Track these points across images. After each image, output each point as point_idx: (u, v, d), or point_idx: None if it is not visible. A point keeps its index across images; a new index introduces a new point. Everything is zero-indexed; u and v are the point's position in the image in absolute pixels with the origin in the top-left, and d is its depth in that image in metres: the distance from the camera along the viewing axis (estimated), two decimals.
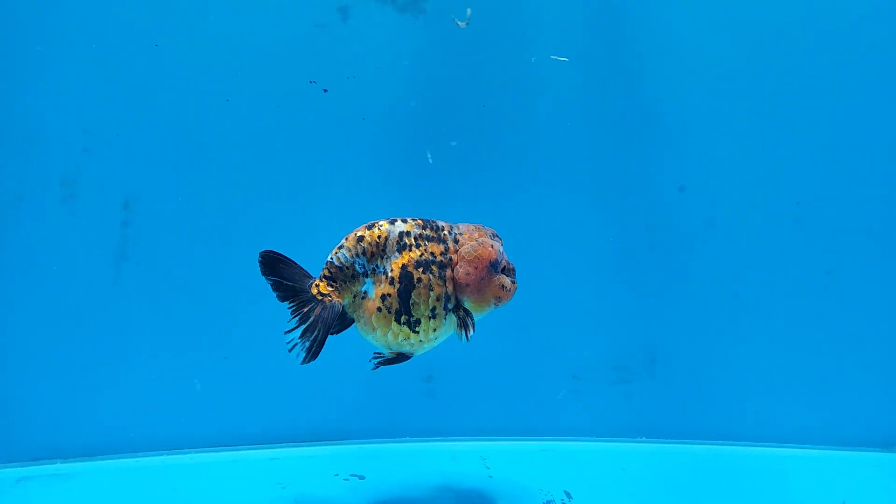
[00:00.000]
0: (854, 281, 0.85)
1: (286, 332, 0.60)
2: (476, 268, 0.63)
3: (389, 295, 0.61)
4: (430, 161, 0.81)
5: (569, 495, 0.73)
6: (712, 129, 0.84)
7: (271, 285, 0.62)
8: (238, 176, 0.83)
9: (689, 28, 0.82)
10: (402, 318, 0.62)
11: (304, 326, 0.60)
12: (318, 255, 0.65)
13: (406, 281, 0.61)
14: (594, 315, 0.87)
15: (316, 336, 0.60)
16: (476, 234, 0.65)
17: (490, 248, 0.63)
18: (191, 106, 0.81)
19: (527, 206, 0.85)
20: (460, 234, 0.65)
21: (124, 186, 0.81)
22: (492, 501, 0.72)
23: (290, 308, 0.61)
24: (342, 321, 0.64)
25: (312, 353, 0.60)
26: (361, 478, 0.78)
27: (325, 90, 0.83)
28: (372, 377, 0.88)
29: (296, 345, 0.60)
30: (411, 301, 0.62)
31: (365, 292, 0.62)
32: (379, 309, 0.62)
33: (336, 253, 0.62)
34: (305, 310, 0.61)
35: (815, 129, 0.82)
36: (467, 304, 0.65)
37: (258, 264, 0.61)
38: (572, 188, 0.85)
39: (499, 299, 0.64)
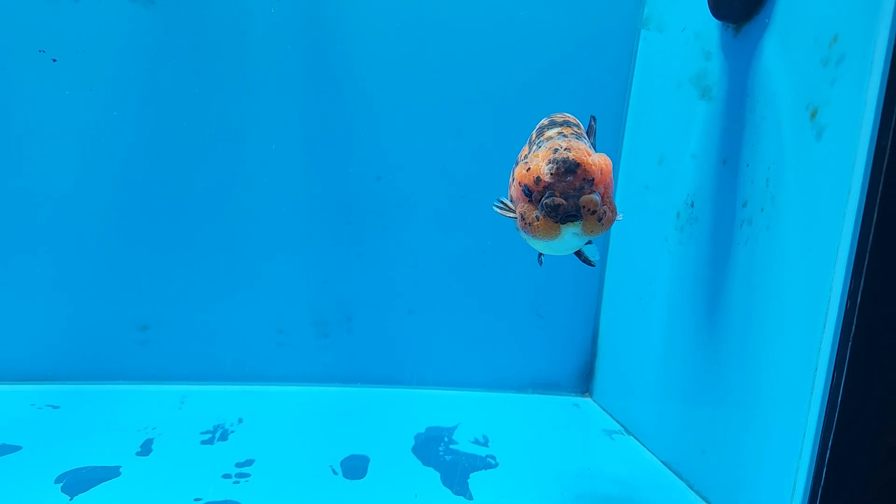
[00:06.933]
0: (503, 256, 1.06)
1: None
2: (514, 187, 0.56)
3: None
4: None
5: (241, 420, 0.87)
6: (401, 133, 1.02)
7: None
8: None
9: (385, 49, 0.99)
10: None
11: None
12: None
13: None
14: (298, 278, 1.03)
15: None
16: (542, 152, 0.53)
17: (525, 172, 0.53)
18: None
19: (249, 192, 0.99)
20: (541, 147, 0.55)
21: None
22: (166, 425, 0.84)
23: None
24: None
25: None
26: (56, 407, 0.86)
27: (55, 59, 0.91)
28: (79, 324, 0.98)
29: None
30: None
31: None
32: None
33: None
34: None
35: (475, 135, 1.03)
36: None
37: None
38: (286, 176, 1.00)
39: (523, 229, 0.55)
